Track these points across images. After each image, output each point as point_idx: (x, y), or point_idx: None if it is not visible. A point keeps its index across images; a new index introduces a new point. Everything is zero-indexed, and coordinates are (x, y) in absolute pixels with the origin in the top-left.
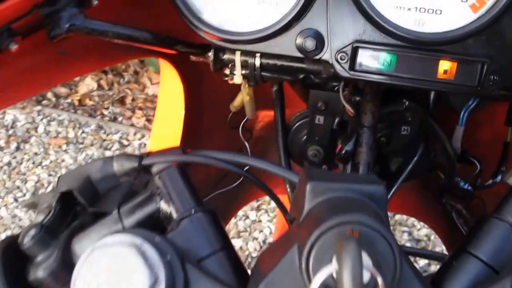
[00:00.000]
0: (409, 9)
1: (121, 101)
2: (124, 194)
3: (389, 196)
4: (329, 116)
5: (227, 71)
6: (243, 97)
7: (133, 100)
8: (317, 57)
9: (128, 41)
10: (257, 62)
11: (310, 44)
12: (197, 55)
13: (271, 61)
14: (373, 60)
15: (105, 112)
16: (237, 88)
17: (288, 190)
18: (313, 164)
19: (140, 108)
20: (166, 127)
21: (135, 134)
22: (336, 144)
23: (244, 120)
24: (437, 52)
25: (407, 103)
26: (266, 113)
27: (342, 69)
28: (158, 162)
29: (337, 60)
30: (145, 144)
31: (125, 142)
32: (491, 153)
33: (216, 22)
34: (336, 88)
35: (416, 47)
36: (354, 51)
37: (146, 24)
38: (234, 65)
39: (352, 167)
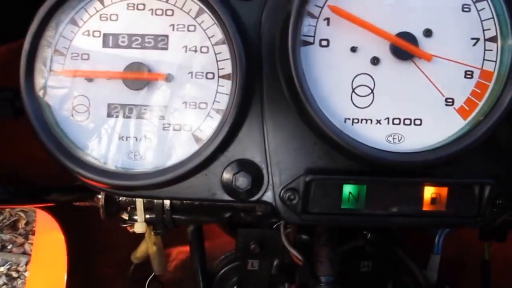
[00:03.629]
0: (378, 121)
1: (13, 226)
2: None
3: None
4: (266, 259)
5: (125, 216)
6: (148, 248)
7: (27, 224)
8: (254, 198)
9: None
10: (167, 202)
11: (243, 181)
12: (81, 200)
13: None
14: (334, 196)
15: None
16: None
17: None
18: None
19: (35, 233)
20: None
21: (27, 263)
22: None
23: (151, 276)
24: (420, 176)
25: (369, 235)
26: (181, 249)
27: (290, 213)
28: None
29: (283, 201)
30: None
31: (14, 274)
32: (469, 274)
33: (102, 161)
34: (274, 226)
35: (392, 173)
36: (307, 186)
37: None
38: (134, 208)
39: None
